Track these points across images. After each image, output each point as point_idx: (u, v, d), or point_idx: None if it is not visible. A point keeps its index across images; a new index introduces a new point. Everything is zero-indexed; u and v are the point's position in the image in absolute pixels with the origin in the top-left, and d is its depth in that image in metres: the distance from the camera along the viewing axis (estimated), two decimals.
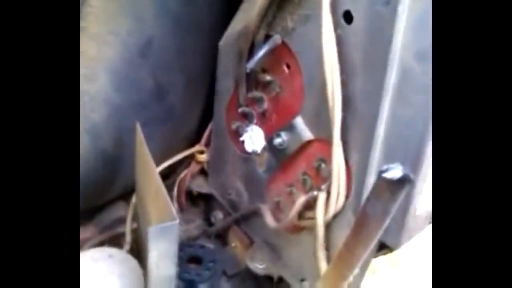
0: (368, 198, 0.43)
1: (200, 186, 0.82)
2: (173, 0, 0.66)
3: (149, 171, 0.55)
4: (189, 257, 0.74)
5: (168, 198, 0.48)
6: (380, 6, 0.47)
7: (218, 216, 0.82)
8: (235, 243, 0.78)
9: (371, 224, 0.44)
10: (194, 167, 0.81)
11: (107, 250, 0.60)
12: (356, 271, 0.48)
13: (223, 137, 0.74)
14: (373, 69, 0.49)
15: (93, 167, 0.66)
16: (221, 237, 0.81)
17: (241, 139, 0.68)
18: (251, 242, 0.75)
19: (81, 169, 0.65)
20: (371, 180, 0.53)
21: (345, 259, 0.49)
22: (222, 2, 0.70)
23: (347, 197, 0.56)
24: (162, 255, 0.48)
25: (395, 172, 0.39)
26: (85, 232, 0.72)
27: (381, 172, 0.39)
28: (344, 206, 0.57)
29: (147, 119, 0.66)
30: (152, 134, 0.59)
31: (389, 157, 0.51)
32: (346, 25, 0.50)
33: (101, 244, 0.70)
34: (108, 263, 0.58)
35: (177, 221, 0.46)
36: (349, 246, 0.48)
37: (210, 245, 0.79)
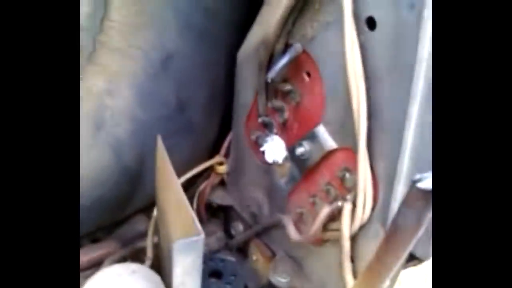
0: (400, 209, 0.42)
1: (220, 198, 0.81)
2: (196, 13, 0.66)
3: (170, 184, 0.54)
4: (210, 271, 0.73)
5: (192, 212, 0.47)
6: (404, 10, 0.46)
7: (238, 228, 0.81)
8: (257, 256, 0.77)
9: (403, 236, 0.43)
10: (213, 179, 0.80)
11: (130, 266, 0.59)
12: (387, 283, 0.47)
13: (243, 148, 0.73)
14: (399, 75, 0.47)
15: (116, 182, 0.65)
16: (242, 250, 0.80)
17: (262, 149, 0.67)
18: (273, 255, 0.74)
19: (104, 184, 0.64)
20: (399, 189, 0.51)
21: (376, 271, 0.48)
22: (244, 14, 0.70)
23: (373, 207, 0.55)
24: (187, 271, 0.47)
25: (429, 181, 0.38)
26: (106, 247, 0.72)
27: (414, 181, 0.38)
28: (370, 217, 0.55)
29: (168, 132, 0.66)
30: (172, 147, 0.58)
31: (418, 165, 0.49)
32: (369, 31, 0.49)
33: (122, 259, 0.69)
34: (132, 279, 0.57)
35: (203, 235, 0.45)
36: (380, 258, 0.47)
37: (231, 258, 0.78)
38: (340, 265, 0.58)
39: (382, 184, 0.53)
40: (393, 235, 0.44)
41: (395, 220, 0.42)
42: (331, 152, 0.58)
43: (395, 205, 0.52)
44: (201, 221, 0.81)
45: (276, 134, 0.66)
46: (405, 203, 0.40)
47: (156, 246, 0.70)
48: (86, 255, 0.70)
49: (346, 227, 0.55)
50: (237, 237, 0.80)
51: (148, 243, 0.69)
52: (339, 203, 0.57)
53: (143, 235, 0.73)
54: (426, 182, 0.37)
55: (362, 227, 0.56)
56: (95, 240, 0.75)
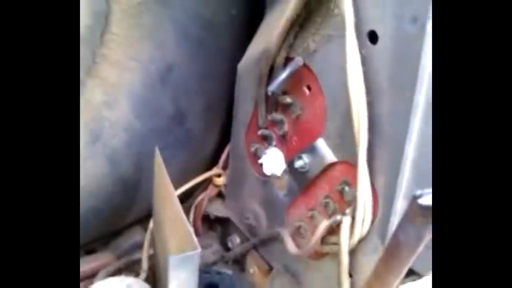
0: (400, 224, 0.41)
1: (217, 210, 0.80)
2: (194, 25, 0.66)
3: (168, 197, 0.54)
4: (206, 284, 0.72)
5: (188, 226, 0.47)
6: (407, 24, 0.46)
7: (235, 240, 0.80)
8: (253, 269, 0.76)
9: (403, 251, 0.42)
10: (211, 191, 0.79)
11: (125, 280, 0.58)
12: None
13: (241, 160, 0.73)
14: (401, 89, 0.47)
15: (112, 193, 0.65)
16: (239, 263, 0.79)
17: (260, 161, 0.67)
18: (270, 268, 0.73)
19: (99, 195, 0.64)
20: (399, 203, 0.50)
21: (374, 287, 0.47)
22: (243, 26, 0.70)
23: (372, 221, 0.54)
24: (183, 285, 0.46)
25: (429, 198, 0.37)
26: (101, 258, 0.71)
27: (415, 197, 0.37)
28: (369, 231, 0.55)
29: (166, 143, 0.66)
30: (170, 159, 0.58)
31: (418, 179, 0.49)
32: (371, 45, 0.49)
33: (117, 271, 0.68)
34: None
35: (199, 250, 0.44)
36: (378, 274, 0.46)
37: (227, 271, 0.77)
38: (338, 279, 0.57)
39: (381, 198, 0.53)
40: (393, 250, 0.43)
41: (395, 236, 0.41)
42: (331, 166, 0.58)
43: (394, 220, 0.51)
44: (197, 233, 0.81)
45: (275, 146, 0.66)
46: (405, 218, 0.39)
47: (152, 258, 0.69)
48: (80, 267, 0.69)
49: (344, 241, 0.54)
50: (234, 250, 0.79)
51: (144, 255, 0.68)
52: (338, 217, 0.56)
53: (139, 246, 0.72)
54: (427, 198, 0.37)
55: (360, 241, 0.55)
56: (90, 251, 0.74)
